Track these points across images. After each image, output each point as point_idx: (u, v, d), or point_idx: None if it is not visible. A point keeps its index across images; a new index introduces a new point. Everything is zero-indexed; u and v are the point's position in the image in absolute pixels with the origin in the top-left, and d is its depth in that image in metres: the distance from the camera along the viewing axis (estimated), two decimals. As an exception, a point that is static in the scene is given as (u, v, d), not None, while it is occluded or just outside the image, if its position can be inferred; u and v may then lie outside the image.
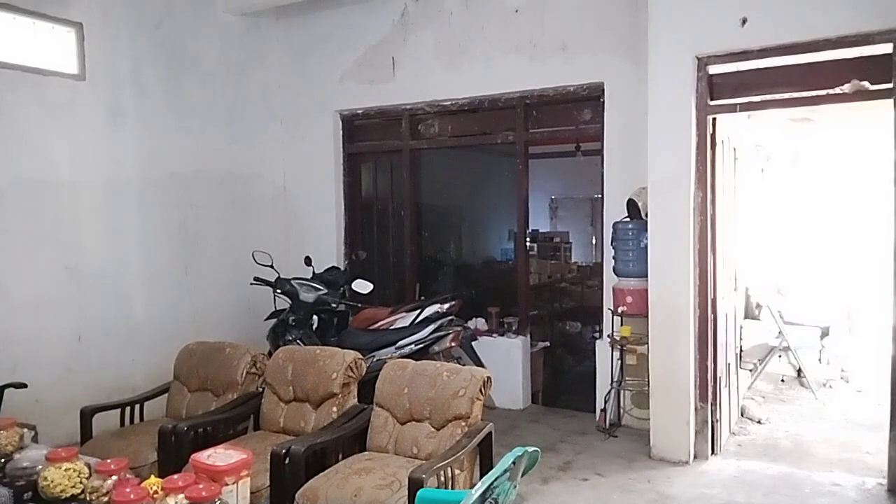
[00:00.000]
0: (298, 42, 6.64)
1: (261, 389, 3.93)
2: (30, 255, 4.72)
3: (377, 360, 4.77)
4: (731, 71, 4.32)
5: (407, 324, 5.17)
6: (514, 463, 2.02)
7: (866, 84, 3.91)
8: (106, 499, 2.15)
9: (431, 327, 5.10)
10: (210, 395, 3.98)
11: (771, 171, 7.61)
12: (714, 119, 4.44)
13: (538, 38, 5.46)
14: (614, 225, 5.04)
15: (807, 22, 3.95)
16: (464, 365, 4.03)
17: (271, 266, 5.30)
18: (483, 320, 6.16)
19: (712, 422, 4.50)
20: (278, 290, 5.29)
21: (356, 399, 3.74)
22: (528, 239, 6.10)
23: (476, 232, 9.83)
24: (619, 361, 5.06)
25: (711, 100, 4.37)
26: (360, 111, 6.53)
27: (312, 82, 6.59)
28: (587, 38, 5.28)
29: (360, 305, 5.52)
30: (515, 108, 5.77)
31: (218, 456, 2.17)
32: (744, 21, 4.12)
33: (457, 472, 3.03)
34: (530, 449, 2.09)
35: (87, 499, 2.21)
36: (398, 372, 3.54)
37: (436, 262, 7.98)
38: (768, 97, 4.26)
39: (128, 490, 1.99)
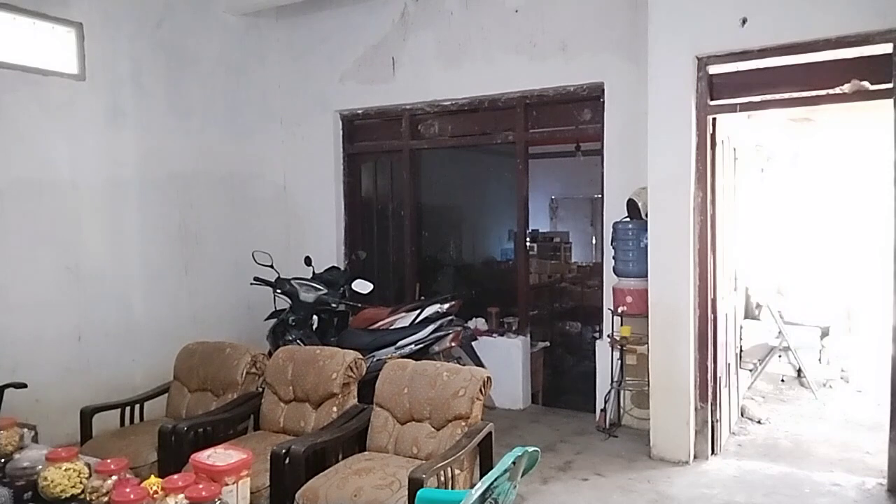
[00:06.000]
0: (298, 42, 6.64)
1: (261, 389, 3.93)
2: (30, 255, 4.72)
3: (377, 360, 4.77)
4: (731, 71, 4.32)
5: (407, 324, 5.17)
6: (514, 463, 2.02)
7: (866, 84, 3.90)
8: (106, 499, 2.15)
9: (431, 327, 5.10)
10: (210, 395, 3.98)
11: (771, 171, 7.61)
12: (714, 119, 4.44)
13: (538, 38, 5.46)
14: (614, 225, 5.04)
15: (807, 22, 3.95)
16: (464, 365, 4.03)
17: (271, 266, 5.30)
18: (483, 320, 6.16)
19: (712, 422, 4.50)
20: (278, 290, 5.29)
21: (356, 399, 3.74)
22: (528, 239, 6.09)
23: (476, 232, 9.83)
24: (619, 361, 5.06)
25: (711, 100, 4.37)
26: (360, 111, 6.53)
27: (312, 82, 6.60)
28: (587, 38, 5.28)
29: (360, 305, 5.52)
30: (515, 108, 5.77)
31: (218, 456, 2.17)
32: (744, 21, 4.12)
33: (457, 472, 3.03)
34: (530, 449, 2.09)
35: (87, 499, 2.20)
36: (398, 372, 3.54)
37: (436, 262, 7.98)
38: (768, 97, 4.26)
39: (128, 490, 1.99)
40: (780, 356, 6.59)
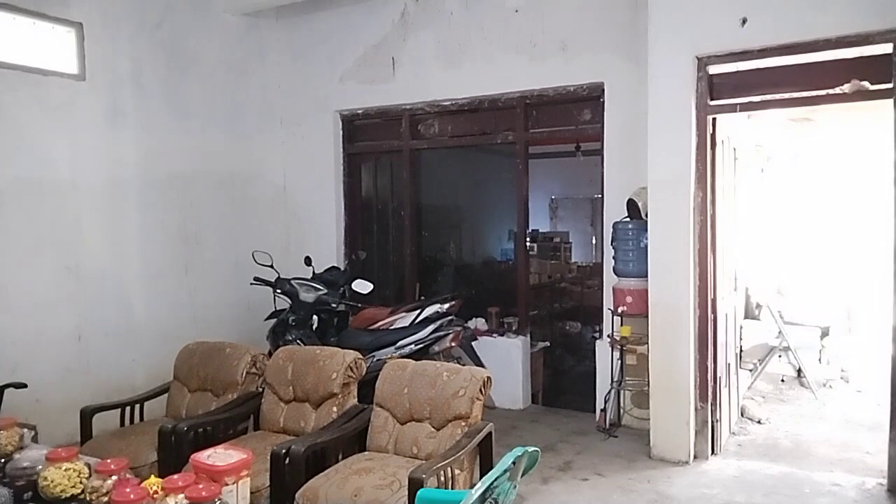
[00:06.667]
0: (298, 42, 6.64)
1: (261, 389, 3.93)
2: (30, 255, 4.72)
3: (377, 360, 4.77)
4: (731, 71, 4.32)
5: (407, 324, 5.17)
6: (514, 463, 2.02)
7: (866, 84, 3.90)
8: (106, 499, 2.15)
9: (431, 327, 5.10)
10: (210, 395, 3.98)
11: (771, 171, 7.61)
12: (714, 119, 4.44)
13: (538, 38, 5.47)
14: (614, 225, 5.04)
15: (807, 22, 3.95)
16: (464, 365, 4.03)
17: (271, 266, 5.30)
18: (483, 320, 6.16)
19: (712, 422, 4.50)
20: (278, 290, 5.29)
21: (356, 399, 3.73)
22: (528, 239, 6.09)
23: (476, 232, 9.83)
24: (619, 361, 5.06)
25: (711, 100, 4.37)
26: (360, 111, 6.53)
27: (312, 82, 6.60)
28: (587, 38, 5.28)
29: (360, 305, 5.52)
30: (515, 108, 5.77)
31: (218, 456, 2.17)
32: (744, 21, 4.12)
33: (457, 472, 3.03)
34: (530, 449, 2.09)
35: (87, 499, 2.20)
36: (398, 372, 3.54)
37: (436, 262, 7.98)
38: (768, 97, 4.26)
39: (128, 490, 1.99)
40: (780, 356, 6.59)
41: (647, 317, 4.61)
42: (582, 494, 4.02)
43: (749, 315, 7.28)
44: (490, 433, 3.27)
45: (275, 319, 5.29)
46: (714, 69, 4.33)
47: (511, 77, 5.61)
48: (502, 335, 5.93)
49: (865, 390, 6.13)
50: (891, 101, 3.80)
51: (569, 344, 7.49)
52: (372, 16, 6.23)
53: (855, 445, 4.80)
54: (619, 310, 4.94)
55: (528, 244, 6.11)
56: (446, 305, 5.24)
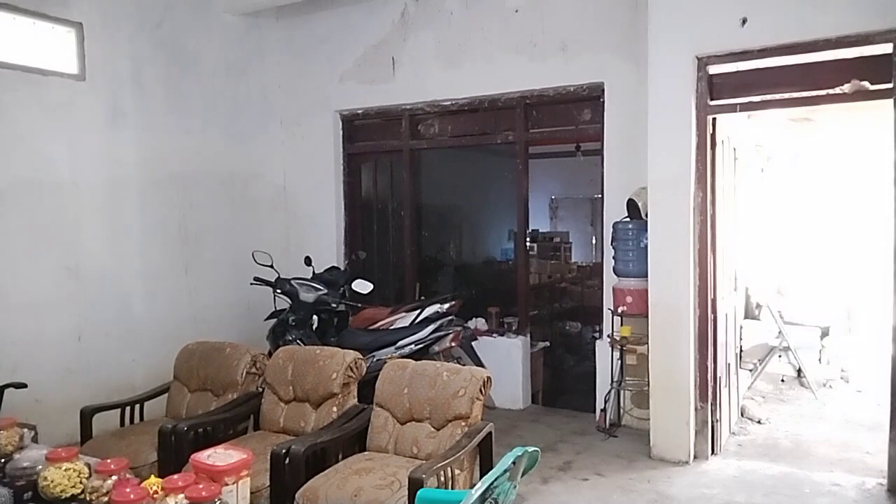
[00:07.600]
0: (298, 42, 6.64)
1: (261, 389, 3.93)
2: (30, 255, 4.72)
3: (377, 360, 4.77)
4: (731, 71, 4.32)
5: (407, 324, 5.17)
6: (514, 463, 2.02)
7: (866, 84, 3.90)
8: (106, 499, 2.15)
9: (431, 327, 5.10)
10: (210, 395, 3.98)
11: (771, 171, 7.61)
12: (714, 119, 4.44)
13: (538, 38, 5.47)
14: (614, 225, 5.04)
15: (807, 22, 3.95)
16: (464, 365, 4.03)
17: (271, 266, 5.30)
18: (483, 320, 6.16)
19: (712, 422, 4.50)
20: (278, 290, 5.29)
21: (356, 399, 3.74)
22: (528, 239, 6.09)
23: (476, 232, 9.83)
24: (619, 361, 5.06)
25: (711, 100, 4.37)
26: (360, 111, 6.53)
27: (312, 82, 6.60)
28: (587, 38, 5.28)
29: (360, 305, 5.52)
30: (515, 108, 5.77)
31: (218, 456, 2.17)
32: (744, 21, 4.12)
33: (457, 472, 3.03)
34: (530, 449, 2.09)
35: (87, 499, 2.21)
36: (398, 372, 3.55)
37: (436, 262, 7.99)
38: (768, 97, 4.26)
39: (128, 490, 1.99)
40: (780, 356, 6.59)
41: (647, 317, 4.61)
42: (582, 494, 4.02)
43: (749, 315, 7.28)
44: (490, 433, 3.27)
45: (275, 319, 5.29)
46: (714, 69, 4.33)
47: (511, 77, 5.61)
48: (502, 335, 5.93)
49: (865, 390, 6.13)
50: (891, 101, 3.80)
51: (569, 344, 7.49)
52: (372, 16, 6.23)
53: (855, 445, 4.80)
54: (619, 310, 4.94)
55: (528, 244, 6.11)
56: (446, 305, 5.24)
